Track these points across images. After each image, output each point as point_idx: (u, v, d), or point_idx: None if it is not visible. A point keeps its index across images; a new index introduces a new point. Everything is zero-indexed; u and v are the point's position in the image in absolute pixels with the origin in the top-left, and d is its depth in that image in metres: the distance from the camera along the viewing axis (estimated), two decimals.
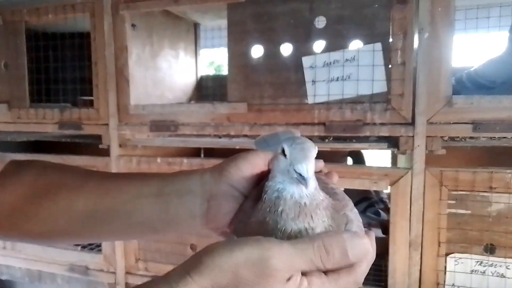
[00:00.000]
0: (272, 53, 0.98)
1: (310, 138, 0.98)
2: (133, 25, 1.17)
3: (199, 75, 1.63)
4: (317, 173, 0.49)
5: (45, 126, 1.21)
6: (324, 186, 0.43)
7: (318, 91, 0.95)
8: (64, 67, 1.34)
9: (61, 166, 0.54)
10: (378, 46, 0.90)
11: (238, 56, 1.02)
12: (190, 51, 1.56)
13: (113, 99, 1.13)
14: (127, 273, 1.18)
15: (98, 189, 0.48)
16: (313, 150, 0.37)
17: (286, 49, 0.97)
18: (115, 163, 1.14)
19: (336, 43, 0.93)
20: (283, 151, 0.39)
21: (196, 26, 1.58)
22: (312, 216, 0.37)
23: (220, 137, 1.04)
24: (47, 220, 0.49)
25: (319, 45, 0.94)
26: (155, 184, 0.47)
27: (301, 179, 0.35)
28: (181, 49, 1.49)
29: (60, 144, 1.26)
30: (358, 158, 1.41)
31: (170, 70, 1.40)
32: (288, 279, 0.33)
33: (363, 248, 0.35)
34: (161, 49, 1.34)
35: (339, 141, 0.96)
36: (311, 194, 0.37)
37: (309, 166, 0.35)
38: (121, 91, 1.12)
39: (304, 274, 0.35)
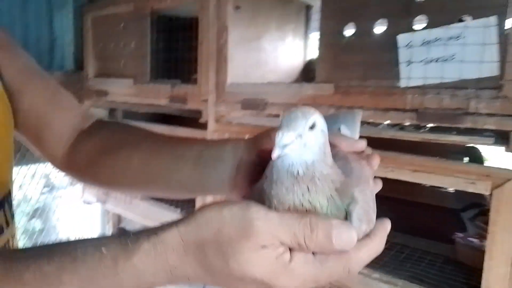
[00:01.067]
0: (364, 31, 0.91)
1: (401, 126, 0.88)
2: (237, 7, 1.21)
3: (307, 59, 1.61)
4: (358, 153, 0.46)
5: (159, 100, 1.36)
6: (343, 163, 0.40)
7: (413, 73, 0.84)
8: (178, 47, 1.48)
9: (129, 127, 0.63)
10: (492, 20, 0.75)
11: (329, 35, 0.96)
12: (299, 34, 1.54)
13: (212, 77, 1.20)
14: None
15: (151, 148, 0.54)
16: (301, 120, 0.34)
17: (380, 26, 0.88)
18: (210, 137, 1.21)
19: (439, 18, 0.80)
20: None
21: (308, 8, 1.55)
22: (308, 187, 0.35)
23: None
24: (111, 170, 0.57)
25: (418, 21, 0.83)
26: (196, 149, 0.52)
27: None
28: (289, 31, 1.49)
29: (170, 116, 1.40)
30: (475, 157, 1.21)
31: (275, 52, 1.41)
32: (267, 246, 0.33)
33: (349, 239, 0.33)
34: (266, 31, 1.36)
35: (435, 132, 0.84)
36: (309, 164, 0.35)
37: (285, 134, 0.33)
38: (220, 70, 1.18)
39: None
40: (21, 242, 1.87)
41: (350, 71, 0.93)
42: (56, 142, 0.61)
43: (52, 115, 0.61)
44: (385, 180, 0.49)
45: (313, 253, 0.34)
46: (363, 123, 0.93)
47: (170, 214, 1.39)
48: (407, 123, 0.86)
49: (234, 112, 1.17)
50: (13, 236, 0.56)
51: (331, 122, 0.55)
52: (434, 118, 0.81)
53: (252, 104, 1.10)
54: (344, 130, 0.53)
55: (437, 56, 0.80)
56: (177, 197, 1.11)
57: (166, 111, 1.40)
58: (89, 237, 0.38)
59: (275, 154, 0.33)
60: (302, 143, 0.34)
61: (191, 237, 0.33)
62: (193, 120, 1.32)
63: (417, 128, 0.87)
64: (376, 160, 0.47)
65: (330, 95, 0.96)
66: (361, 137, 0.51)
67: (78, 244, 0.35)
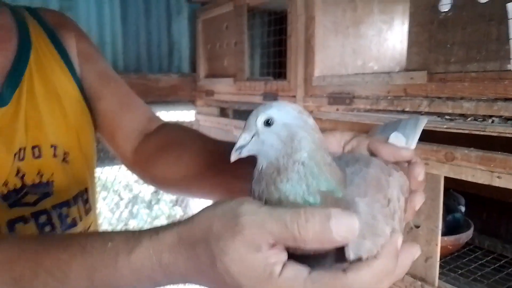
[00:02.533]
0: (465, 2, 0.73)
1: None
2: None
3: None
4: (398, 163, 0.41)
5: (254, 97, 1.36)
6: (359, 168, 0.36)
7: None
8: (271, 41, 1.45)
9: (185, 128, 0.67)
10: None
11: (422, 11, 0.81)
12: (407, 15, 1.35)
13: (301, 71, 1.14)
14: None
15: (199, 150, 0.57)
16: (253, 118, 0.34)
17: None
18: None
19: None
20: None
21: None
22: (267, 183, 0.33)
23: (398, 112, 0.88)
24: (164, 168, 0.61)
25: None
26: None
27: None
28: (397, 12, 1.31)
29: None
30: None
31: (378, 38, 1.27)
32: (258, 251, 0.30)
33: (350, 226, 0.29)
34: (367, 15, 1.23)
35: None
36: (273, 159, 0.33)
37: (241, 135, 0.34)
38: (308, 63, 1.11)
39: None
40: None
41: (448, 53, 0.77)
42: (125, 143, 0.67)
43: (122, 118, 0.67)
44: None
45: (310, 261, 0.30)
46: (465, 116, 0.76)
47: None
48: None
49: (323, 107, 1.09)
50: (85, 231, 0.63)
51: (390, 128, 0.49)
52: None
53: (339, 99, 1.01)
54: (395, 137, 0.45)
55: None
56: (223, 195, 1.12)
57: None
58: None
59: (232, 157, 0.35)
60: (259, 142, 0.34)
61: (186, 235, 0.33)
62: None
63: None
64: (418, 169, 0.40)
65: (423, 84, 0.80)
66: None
67: (92, 237, 0.37)
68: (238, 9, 1.41)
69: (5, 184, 0.50)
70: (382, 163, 0.38)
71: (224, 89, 1.54)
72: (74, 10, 1.53)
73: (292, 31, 1.16)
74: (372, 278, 0.30)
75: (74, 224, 0.59)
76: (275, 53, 1.46)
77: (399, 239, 0.32)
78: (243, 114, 1.61)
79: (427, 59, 0.80)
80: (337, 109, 1.05)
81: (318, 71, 1.09)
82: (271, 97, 1.27)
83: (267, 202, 0.33)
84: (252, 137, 0.34)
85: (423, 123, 0.49)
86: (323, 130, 1.04)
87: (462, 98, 0.74)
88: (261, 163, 0.34)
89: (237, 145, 0.34)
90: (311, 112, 1.12)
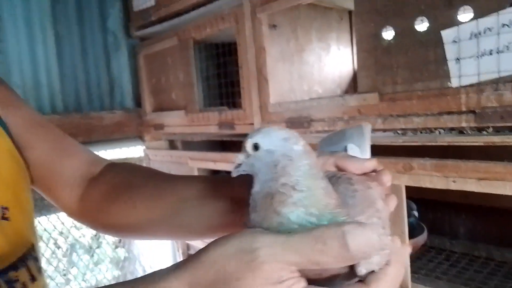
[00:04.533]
0: (405, 30, 0.83)
1: (461, 130, 0.79)
2: (274, 26, 1.20)
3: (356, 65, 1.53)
4: (366, 174, 0.43)
5: (209, 127, 1.38)
6: (345, 187, 0.37)
7: (465, 70, 0.75)
8: (221, 72, 1.50)
9: (134, 167, 0.62)
10: None
11: (366, 39, 0.90)
12: (344, 41, 1.48)
13: (256, 99, 1.19)
14: None
15: (152, 192, 0.52)
16: (246, 141, 0.36)
17: (421, 23, 0.81)
18: None
19: (486, 6, 0.71)
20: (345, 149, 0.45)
21: (351, 13, 1.49)
22: (265, 209, 0.33)
23: None
24: (117, 216, 0.56)
25: (462, 13, 0.74)
26: (197, 187, 0.49)
27: None
28: (332, 40, 1.43)
29: (222, 143, 1.41)
30: None
31: (319, 63, 1.37)
32: (280, 282, 0.29)
33: (368, 241, 0.29)
34: (307, 43, 1.33)
35: (499, 134, 0.74)
36: (262, 181, 0.35)
37: (238, 156, 0.37)
38: (262, 91, 1.17)
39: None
40: (109, 270, 2.00)
41: (394, 75, 0.86)
42: (67, 192, 0.61)
43: (59, 165, 0.61)
44: None
45: (322, 282, 0.31)
46: (416, 130, 0.85)
47: None
48: (464, 126, 0.76)
49: None
50: None
51: (337, 139, 0.52)
52: (495, 118, 0.71)
53: (297, 123, 1.07)
54: (352, 148, 0.49)
55: (490, 48, 0.71)
56: (184, 240, 1.09)
57: (216, 138, 1.42)
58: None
59: (233, 174, 0.37)
60: (249, 164, 0.36)
61: (197, 281, 0.30)
62: (238, 144, 1.32)
63: (478, 130, 0.76)
64: (386, 177, 0.42)
65: (376, 104, 0.89)
66: (378, 151, 0.47)
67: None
68: (184, 43, 1.44)
69: None
70: (358, 178, 0.40)
71: (175, 121, 1.53)
72: (4, 51, 1.44)
73: (242, 62, 1.21)
74: (391, 284, 0.33)
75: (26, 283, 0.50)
76: (221, 84, 1.50)
77: (399, 243, 0.36)
78: (195, 145, 1.62)
79: (376, 81, 0.89)
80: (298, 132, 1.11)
81: (273, 98, 1.15)
82: (227, 126, 1.30)
83: (269, 229, 0.32)
84: (246, 158, 0.36)
85: (368, 130, 0.52)
86: None
87: (411, 114, 0.83)
88: (255, 187, 0.35)
89: (235, 164, 0.37)
90: None
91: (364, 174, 0.42)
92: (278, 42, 1.21)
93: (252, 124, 1.20)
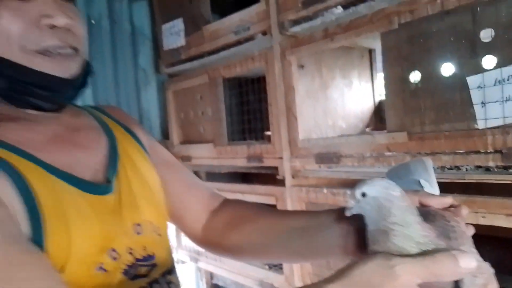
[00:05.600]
0: (431, 75, 0.90)
1: (487, 168, 0.84)
2: (301, 66, 1.28)
3: (377, 100, 1.60)
4: (445, 208, 0.52)
5: (237, 160, 1.44)
6: (443, 223, 0.45)
7: (490, 113, 0.80)
8: (249, 108, 1.58)
9: (246, 203, 0.75)
10: None
11: (394, 82, 0.97)
12: (365, 77, 1.56)
13: (285, 135, 1.25)
14: None
15: (266, 223, 0.65)
16: (355, 190, 0.45)
17: (447, 69, 0.87)
18: (289, 193, 1.25)
19: (509, 55, 0.78)
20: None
21: (371, 51, 1.57)
22: (382, 241, 0.43)
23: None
24: (237, 244, 0.68)
25: (487, 61, 0.81)
26: (304, 220, 0.61)
27: None
28: (354, 77, 1.51)
29: (249, 175, 1.47)
30: None
31: (342, 99, 1.44)
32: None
33: (470, 262, 0.39)
34: (331, 80, 1.40)
35: None
36: (373, 220, 0.44)
37: (349, 201, 0.46)
38: (291, 127, 1.23)
39: None
40: None
41: (422, 116, 0.92)
42: (194, 223, 0.73)
43: (189, 200, 0.74)
44: None
45: None
46: (443, 168, 0.90)
47: (259, 270, 1.42)
48: (491, 165, 0.82)
49: (309, 166, 1.20)
50: None
51: (404, 173, 0.60)
52: None
53: (326, 158, 1.13)
54: (424, 184, 0.57)
55: None
56: (293, 262, 1.21)
57: (244, 170, 1.48)
58: None
59: (346, 214, 0.47)
60: (360, 208, 0.45)
61: None
62: (270, 176, 1.38)
63: (505, 168, 0.81)
64: (465, 211, 0.51)
65: (404, 142, 0.95)
66: (443, 184, 0.57)
67: None
68: (213, 81, 1.53)
69: (122, 260, 0.55)
70: (449, 214, 0.48)
71: (202, 153, 1.60)
72: None
73: (272, 100, 1.28)
74: None
75: None
76: (244, 118, 1.57)
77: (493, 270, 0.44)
78: (218, 176, 1.68)
79: (404, 120, 0.95)
80: (320, 166, 1.17)
81: (301, 134, 1.21)
82: (255, 159, 1.36)
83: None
84: (356, 203, 0.45)
85: (430, 164, 0.61)
86: (313, 187, 1.13)
87: (440, 152, 0.89)
88: (370, 225, 0.44)
89: (348, 207, 0.46)
90: (298, 171, 1.23)
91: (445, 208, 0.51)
92: (305, 81, 1.29)
93: (281, 158, 1.27)
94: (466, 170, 0.88)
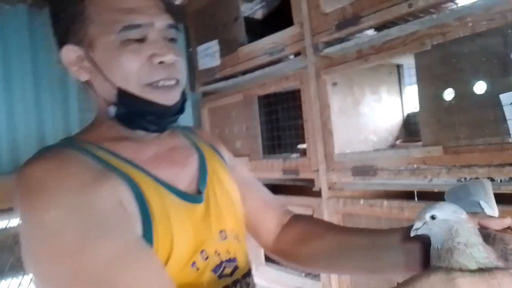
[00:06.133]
0: (464, 93, 0.96)
1: None
2: (334, 84, 1.35)
3: (406, 113, 1.66)
4: (504, 229, 0.55)
5: (273, 173, 1.52)
6: (503, 246, 0.49)
7: None
8: (286, 124, 1.65)
9: (314, 219, 0.84)
10: None
11: (428, 100, 1.04)
12: (394, 92, 1.62)
13: (321, 149, 1.32)
14: None
15: (332, 239, 0.72)
16: (423, 213, 0.50)
17: (480, 87, 0.93)
18: (325, 204, 1.32)
19: None
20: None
21: (398, 67, 1.64)
22: (447, 259, 0.47)
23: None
24: (306, 256, 0.75)
25: None
26: (368, 238, 0.67)
27: None
28: (383, 92, 1.58)
29: (284, 187, 1.54)
30: None
31: (372, 114, 1.51)
32: None
33: None
34: (362, 97, 1.47)
35: None
36: (440, 241, 0.49)
37: (416, 222, 0.51)
38: (327, 142, 1.31)
39: None
40: None
41: (456, 131, 0.98)
42: (267, 235, 0.81)
43: (265, 216, 0.82)
44: None
45: None
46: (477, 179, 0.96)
47: (296, 278, 1.48)
48: None
49: (345, 178, 1.27)
50: None
51: (463, 194, 0.66)
52: None
53: (362, 171, 1.19)
54: (484, 205, 0.62)
55: None
56: (354, 276, 1.28)
57: (280, 183, 1.55)
58: None
59: (411, 234, 0.52)
60: (428, 229, 0.50)
61: None
62: (303, 188, 1.45)
63: None
64: None
65: (440, 156, 1.01)
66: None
67: None
68: (248, 99, 1.61)
69: (211, 260, 0.63)
70: (509, 238, 0.52)
71: None
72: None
73: (307, 116, 1.36)
74: None
75: None
76: (282, 128, 1.65)
77: None
78: None
79: (439, 136, 1.01)
80: (354, 178, 1.23)
81: (337, 148, 1.28)
82: (291, 172, 1.43)
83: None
84: (423, 224, 0.51)
85: (489, 186, 0.65)
86: (349, 199, 1.19)
87: (475, 165, 0.94)
88: (435, 244, 0.49)
89: (414, 228, 0.51)
90: (334, 183, 1.30)
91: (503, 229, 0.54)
92: (338, 98, 1.36)
93: (317, 171, 1.33)
94: (500, 181, 0.93)
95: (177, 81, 0.64)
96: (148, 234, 0.56)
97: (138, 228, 0.56)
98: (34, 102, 1.54)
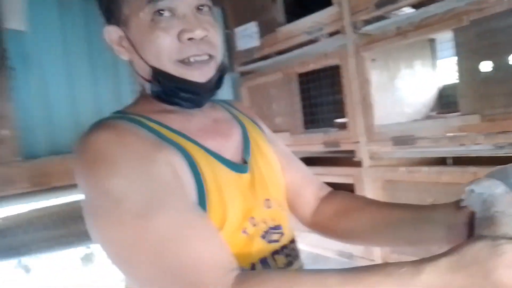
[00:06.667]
0: (500, 65, 1.04)
1: None
2: (373, 59, 1.44)
3: (440, 85, 1.73)
4: None
5: (313, 146, 1.63)
6: None
7: None
8: (322, 100, 1.76)
9: (353, 195, 0.84)
10: None
11: (467, 72, 1.12)
12: (427, 66, 1.69)
13: (361, 122, 1.42)
14: (383, 261, 1.43)
15: (373, 213, 0.72)
16: (466, 188, 0.55)
17: None
18: (366, 172, 1.43)
19: None
20: None
21: (431, 41, 1.70)
22: (488, 227, 0.52)
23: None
24: (345, 229, 0.76)
25: None
26: (410, 213, 0.68)
27: None
28: (417, 66, 1.65)
29: (323, 158, 1.66)
30: None
31: (407, 87, 1.59)
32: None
33: None
34: (397, 72, 1.55)
35: None
36: (482, 212, 0.54)
37: (462, 196, 0.57)
38: (367, 115, 1.40)
39: None
40: None
41: (493, 101, 1.07)
42: (305, 208, 0.81)
43: (303, 189, 0.81)
44: None
45: None
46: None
47: (337, 242, 1.61)
48: None
49: (385, 148, 1.37)
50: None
51: (503, 176, 0.64)
52: None
53: (402, 140, 1.29)
54: None
55: None
56: (396, 247, 1.33)
57: (320, 155, 1.67)
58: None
59: (461, 204, 0.58)
60: (469, 201, 0.57)
61: (457, 262, 0.46)
62: (344, 159, 1.56)
63: None
64: None
65: (477, 124, 1.10)
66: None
67: (386, 266, 0.50)
68: (287, 77, 1.72)
69: (260, 227, 0.65)
70: None
71: None
72: None
73: (347, 92, 1.46)
74: None
75: (297, 256, 0.72)
76: (320, 103, 1.75)
77: None
78: None
79: (476, 106, 1.10)
80: (393, 148, 1.33)
81: (377, 120, 1.38)
82: (332, 145, 1.55)
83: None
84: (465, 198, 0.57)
85: None
86: (390, 167, 1.30)
87: (509, 131, 1.03)
88: (476, 213, 0.54)
89: (461, 200, 0.58)
90: (375, 153, 1.40)
91: None
92: (376, 73, 1.45)
93: (358, 142, 1.44)
94: None
95: (210, 56, 0.63)
96: (202, 202, 0.59)
97: (193, 196, 0.58)
98: (91, 84, 1.70)
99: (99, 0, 0.65)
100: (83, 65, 1.67)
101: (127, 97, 1.74)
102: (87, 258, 2.28)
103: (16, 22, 1.51)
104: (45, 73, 1.58)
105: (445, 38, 1.76)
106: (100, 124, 0.58)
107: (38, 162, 1.53)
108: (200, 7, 0.62)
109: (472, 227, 0.55)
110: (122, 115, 0.64)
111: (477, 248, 0.46)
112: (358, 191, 1.47)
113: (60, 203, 1.51)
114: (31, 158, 1.53)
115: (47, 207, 1.49)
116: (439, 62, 1.75)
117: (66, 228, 1.45)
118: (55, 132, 1.60)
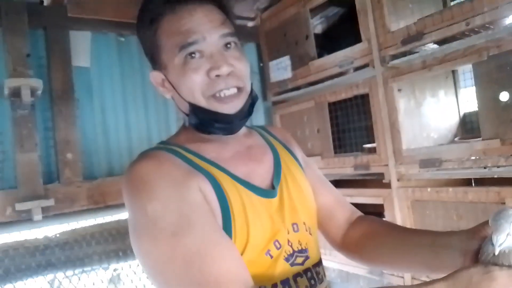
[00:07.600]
0: None
1: None
2: (399, 90, 1.58)
3: (462, 113, 1.85)
4: None
5: (344, 169, 1.76)
6: None
7: None
8: (349, 126, 1.89)
9: (379, 219, 0.87)
10: None
11: (486, 101, 1.24)
12: (450, 94, 1.81)
13: (390, 146, 1.55)
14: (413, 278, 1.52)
15: (395, 238, 0.76)
16: (505, 223, 0.52)
17: None
18: (395, 193, 1.54)
19: None
20: None
21: (454, 71, 1.83)
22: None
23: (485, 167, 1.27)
24: (370, 253, 0.80)
25: None
26: (429, 238, 0.70)
27: None
28: (441, 94, 1.78)
29: (354, 181, 1.78)
30: None
31: (433, 114, 1.71)
32: None
33: None
34: (423, 99, 1.68)
35: None
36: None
37: (498, 237, 0.52)
38: (395, 140, 1.53)
39: None
40: None
41: (511, 127, 1.18)
42: (336, 231, 0.85)
43: (336, 213, 0.86)
44: None
45: None
46: None
47: None
48: None
49: (413, 170, 1.49)
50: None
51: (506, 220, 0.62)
52: None
53: (429, 163, 1.41)
54: None
55: None
56: (414, 273, 1.39)
57: (351, 177, 1.79)
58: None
59: (496, 252, 0.53)
60: (511, 240, 0.53)
61: (455, 286, 0.51)
62: (374, 181, 1.67)
63: None
64: None
65: (498, 147, 1.21)
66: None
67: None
68: (319, 105, 1.87)
69: (284, 249, 0.69)
70: None
71: None
72: None
73: (376, 118, 1.59)
74: None
75: (322, 280, 0.75)
76: (348, 129, 1.89)
77: None
78: None
79: (497, 131, 1.21)
80: (419, 170, 1.44)
81: (405, 144, 1.50)
82: (362, 167, 1.67)
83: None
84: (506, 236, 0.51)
85: None
86: (417, 188, 1.41)
87: None
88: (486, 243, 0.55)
89: (499, 243, 0.52)
90: (403, 175, 1.52)
91: None
92: (403, 102, 1.58)
93: (387, 165, 1.56)
94: None
95: (238, 89, 0.69)
96: (228, 225, 0.64)
97: (219, 221, 0.64)
98: (144, 114, 1.89)
99: (144, 50, 0.75)
100: (137, 97, 1.87)
101: (174, 126, 1.93)
102: (114, 280, 2.42)
103: (82, 60, 1.74)
104: (105, 104, 1.80)
105: (467, 69, 1.89)
106: (144, 155, 0.67)
107: (96, 183, 1.71)
108: (228, 45, 0.69)
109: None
110: (163, 145, 0.72)
111: (471, 272, 0.51)
112: (388, 211, 1.58)
113: (116, 220, 1.68)
114: (90, 179, 1.71)
115: (104, 223, 1.66)
116: (461, 91, 1.87)
117: (121, 243, 1.60)
118: (111, 156, 1.79)
